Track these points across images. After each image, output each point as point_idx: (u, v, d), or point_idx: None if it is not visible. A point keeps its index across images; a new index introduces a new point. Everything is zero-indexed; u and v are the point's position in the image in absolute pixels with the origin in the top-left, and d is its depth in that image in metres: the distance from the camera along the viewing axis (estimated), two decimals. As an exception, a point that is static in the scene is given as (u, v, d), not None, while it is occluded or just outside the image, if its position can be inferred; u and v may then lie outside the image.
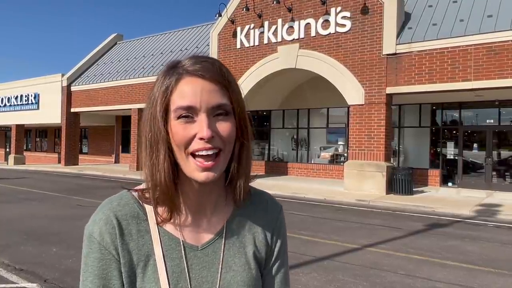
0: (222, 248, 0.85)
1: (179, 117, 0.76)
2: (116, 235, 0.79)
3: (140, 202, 0.84)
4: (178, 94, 0.76)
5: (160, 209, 0.82)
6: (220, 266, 0.84)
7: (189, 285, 0.81)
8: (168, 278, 0.79)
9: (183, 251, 0.82)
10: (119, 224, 0.80)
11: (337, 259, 5.64)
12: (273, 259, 0.91)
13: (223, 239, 0.86)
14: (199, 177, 0.76)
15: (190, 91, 0.76)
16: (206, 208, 0.85)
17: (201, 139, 0.74)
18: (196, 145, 0.75)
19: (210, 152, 0.75)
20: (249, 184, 0.88)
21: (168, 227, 0.83)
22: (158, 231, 0.82)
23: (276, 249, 0.91)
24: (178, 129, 0.75)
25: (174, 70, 0.79)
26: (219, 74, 0.78)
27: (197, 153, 0.75)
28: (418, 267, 5.34)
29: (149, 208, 0.83)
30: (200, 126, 0.75)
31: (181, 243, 0.82)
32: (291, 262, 5.37)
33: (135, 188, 0.85)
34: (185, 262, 0.82)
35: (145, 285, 0.79)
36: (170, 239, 0.82)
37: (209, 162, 0.75)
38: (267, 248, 0.90)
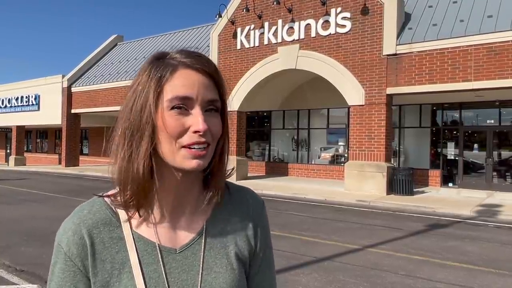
0: (202, 249, 0.82)
1: (172, 108, 0.74)
2: (85, 245, 0.77)
3: (113, 207, 0.81)
4: (174, 84, 0.75)
5: (132, 211, 0.80)
6: (201, 268, 0.81)
7: None
8: (145, 285, 0.76)
9: (159, 255, 0.80)
10: (89, 234, 0.78)
11: (337, 259, 5.64)
12: (259, 257, 0.89)
13: (203, 240, 0.83)
14: (190, 164, 0.74)
15: (187, 82, 0.75)
16: (185, 208, 0.83)
17: (195, 132, 0.73)
18: (189, 138, 0.74)
19: (201, 147, 0.75)
20: (227, 178, 0.88)
21: (144, 232, 0.81)
22: (133, 237, 0.79)
23: (262, 246, 0.90)
24: (171, 120, 0.74)
25: (164, 61, 0.77)
26: (215, 71, 0.78)
27: (188, 147, 0.75)
28: (418, 267, 5.34)
29: (122, 213, 0.80)
30: (196, 119, 0.74)
31: (157, 247, 0.80)
32: (292, 263, 5.37)
33: (107, 193, 0.83)
34: (162, 267, 0.79)
35: None
36: (145, 244, 0.80)
37: (202, 151, 0.75)
38: (250, 247, 0.87)
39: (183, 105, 0.74)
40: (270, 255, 0.92)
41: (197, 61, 0.77)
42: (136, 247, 0.79)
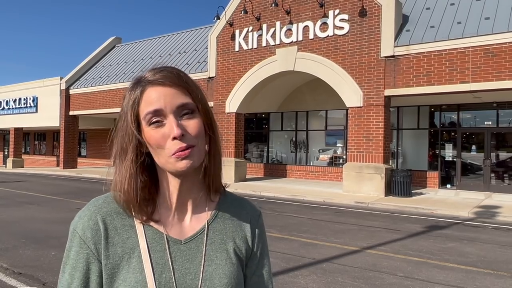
0: (204, 243, 0.90)
1: (150, 124, 0.83)
2: (99, 230, 0.85)
3: None
4: (144, 103, 0.84)
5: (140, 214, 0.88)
6: (203, 259, 0.88)
7: (172, 276, 0.85)
8: (152, 268, 0.84)
9: (166, 244, 0.87)
10: (103, 220, 0.86)
11: (336, 261, 5.64)
12: (257, 259, 0.96)
13: (205, 235, 0.91)
14: (180, 166, 0.82)
15: (154, 97, 0.83)
16: (188, 206, 0.91)
17: (174, 138, 0.81)
18: (172, 146, 0.81)
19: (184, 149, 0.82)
20: (224, 188, 0.97)
21: (153, 223, 0.88)
22: (143, 226, 0.87)
23: (259, 250, 0.97)
24: (152, 134, 0.83)
25: (138, 84, 0.86)
26: (177, 79, 0.85)
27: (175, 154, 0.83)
28: (417, 269, 5.35)
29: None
30: (170, 127, 0.81)
31: (165, 237, 0.88)
32: (291, 265, 5.37)
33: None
34: (168, 254, 0.86)
35: (129, 276, 0.83)
36: (154, 233, 0.87)
37: (186, 151, 0.82)
38: (247, 247, 0.95)
39: (157, 118, 0.82)
40: (267, 259, 0.99)
41: (160, 76, 0.85)
42: (145, 235, 0.87)
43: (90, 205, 0.89)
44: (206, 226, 0.91)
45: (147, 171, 0.88)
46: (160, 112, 0.82)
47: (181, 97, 0.84)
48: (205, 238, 0.90)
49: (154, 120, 0.82)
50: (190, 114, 0.84)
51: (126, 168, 0.85)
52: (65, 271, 0.85)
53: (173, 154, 0.81)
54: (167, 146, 0.82)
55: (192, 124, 0.83)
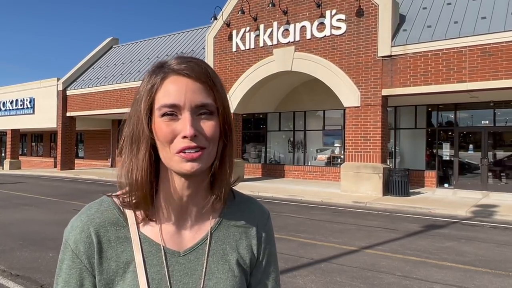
0: (206, 254, 0.84)
1: (163, 115, 0.76)
2: (92, 243, 0.79)
3: (121, 208, 0.83)
4: (163, 92, 0.76)
5: (139, 213, 0.82)
6: (203, 272, 0.82)
7: None
8: (148, 285, 0.78)
9: (163, 257, 0.81)
10: (96, 232, 0.80)
11: (334, 261, 5.64)
12: (262, 267, 0.90)
13: (207, 245, 0.84)
14: (185, 167, 0.75)
15: (175, 89, 0.76)
16: (191, 212, 0.84)
17: (184, 137, 0.74)
18: (180, 144, 0.75)
19: (193, 151, 0.75)
20: (232, 186, 0.89)
21: (150, 233, 0.82)
22: (139, 237, 0.81)
23: (265, 257, 0.90)
24: (162, 126, 0.75)
25: (160, 70, 0.79)
26: (204, 74, 0.78)
27: (182, 151, 0.76)
28: (415, 268, 5.36)
29: (129, 214, 0.82)
30: (184, 124, 0.75)
31: (162, 249, 0.81)
32: (289, 265, 5.37)
33: (116, 193, 0.84)
34: (165, 269, 0.80)
35: None
36: (150, 245, 0.81)
37: (195, 153, 0.75)
38: (252, 256, 0.88)
39: (173, 111, 0.75)
40: (274, 266, 0.93)
41: (187, 66, 0.77)
42: (141, 248, 0.81)
43: (83, 214, 0.82)
44: (208, 236, 0.85)
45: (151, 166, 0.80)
46: (177, 107, 0.75)
47: (203, 95, 0.77)
48: (206, 249, 0.84)
49: (168, 112, 0.75)
50: (208, 114, 0.77)
51: (139, 156, 0.78)
52: (58, 283, 0.80)
53: (179, 152, 0.74)
54: (174, 142, 0.75)
55: (208, 126, 0.76)
